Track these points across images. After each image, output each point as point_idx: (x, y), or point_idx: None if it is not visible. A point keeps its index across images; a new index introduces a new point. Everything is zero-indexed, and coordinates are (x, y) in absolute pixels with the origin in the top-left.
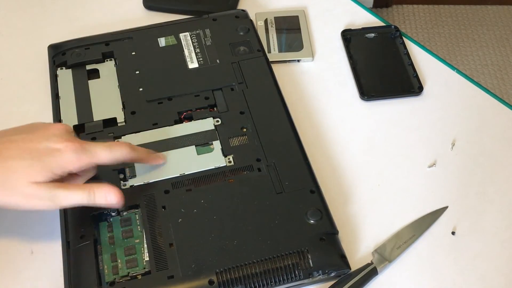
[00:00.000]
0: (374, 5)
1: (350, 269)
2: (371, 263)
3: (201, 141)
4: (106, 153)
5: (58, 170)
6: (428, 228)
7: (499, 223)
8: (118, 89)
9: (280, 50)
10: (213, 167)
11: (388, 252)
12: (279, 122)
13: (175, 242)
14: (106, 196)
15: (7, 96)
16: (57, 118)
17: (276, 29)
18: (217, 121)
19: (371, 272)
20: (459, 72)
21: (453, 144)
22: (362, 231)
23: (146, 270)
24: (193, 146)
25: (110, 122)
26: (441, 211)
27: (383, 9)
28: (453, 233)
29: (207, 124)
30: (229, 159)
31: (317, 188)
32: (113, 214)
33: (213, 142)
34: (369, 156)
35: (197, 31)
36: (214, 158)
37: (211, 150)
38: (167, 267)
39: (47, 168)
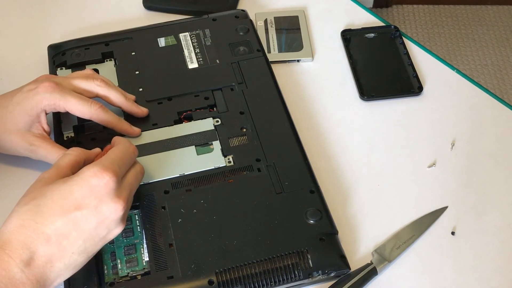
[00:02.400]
0: (374, 5)
1: (350, 269)
2: (371, 263)
3: (201, 141)
4: (75, 103)
5: (33, 111)
6: (427, 228)
7: (499, 223)
8: None
9: (280, 50)
10: (213, 167)
11: (388, 252)
12: (279, 122)
13: (175, 242)
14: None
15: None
16: (56, 118)
17: (276, 29)
18: (217, 121)
19: (370, 272)
20: (459, 72)
21: (453, 144)
22: (362, 231)
23: (146, 270)
24: (193, 146)
25: None
26: (441, 211)
27: (383, 9)
28: (453, 233)
29: (207, 124)
30: (228, 159)
31: (317, 188)
32: None
33: (213, 142)
34: (369, 156)
35: (197, 31)
36: (214, 158)
37: (211, 150)
38: (166, 267)
39: (24, 112)
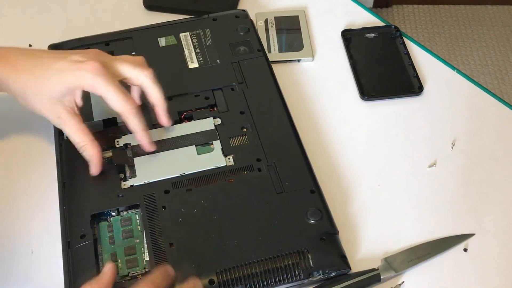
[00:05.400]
0: (374, 5)
1: (350, 269)
2: (377, 268)
3: (201, 141)
4: (113, 94)
5: (72, 84)
6: (446, 250)
7: (499, 223)
8: None
9: (280, 50)
10: (213, 167)
11: (398, 263)
12: (279, 122)
13: (175, 242)
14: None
15: (7, 95)
16: None
17: (276, 29)
18: (217, 121)
19: (373, 277)
20: (459, 72)
21: (453, 144)
22: (362, 231)
23: (146, 270)
24: (193, 146)
25: (110, 122)
26: (467, 236)
27: (383, 9)
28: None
29: (207, 124)
30: (229, 159)
31: (317, 188)
32: (113, 214)
33: (213, 142)
34: (369, 156)
35: (197, 31)
36: (214, 158)
37: (211, 150)
38: None
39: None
